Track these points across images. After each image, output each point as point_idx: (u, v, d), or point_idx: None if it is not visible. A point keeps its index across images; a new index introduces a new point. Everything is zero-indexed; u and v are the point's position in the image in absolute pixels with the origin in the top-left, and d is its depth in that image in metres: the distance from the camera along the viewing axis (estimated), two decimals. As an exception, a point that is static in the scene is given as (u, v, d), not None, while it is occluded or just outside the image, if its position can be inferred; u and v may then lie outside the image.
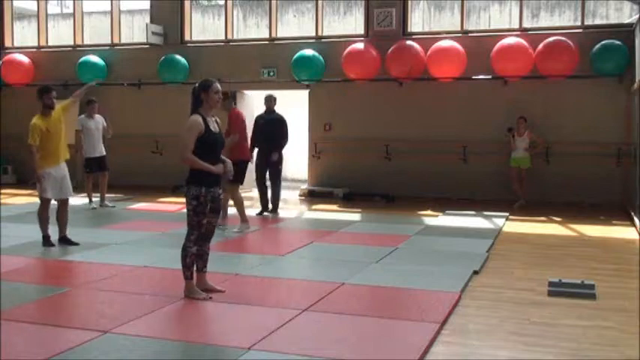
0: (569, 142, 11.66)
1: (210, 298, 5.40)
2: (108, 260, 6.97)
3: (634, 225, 9.35)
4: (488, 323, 4.92)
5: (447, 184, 12.40)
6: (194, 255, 5.45)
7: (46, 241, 7.65)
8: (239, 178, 8.47)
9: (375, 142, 12.76)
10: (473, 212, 10.66)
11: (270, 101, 10.54)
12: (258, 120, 10.48)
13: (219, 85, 5.41)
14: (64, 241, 7.76)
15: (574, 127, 11.69)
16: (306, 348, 4.33)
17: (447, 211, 10.73)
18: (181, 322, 4.86)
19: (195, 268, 5.52)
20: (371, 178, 12.74)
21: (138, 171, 14.17)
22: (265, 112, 10.53)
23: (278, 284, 6.01)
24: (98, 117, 10.94)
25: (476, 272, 6.43)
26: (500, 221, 9.75)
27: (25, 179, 15.06)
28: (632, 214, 9.90)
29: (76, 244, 7.71)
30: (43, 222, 7.69)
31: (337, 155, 13.08)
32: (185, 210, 5.44)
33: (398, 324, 4.83)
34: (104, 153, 10.96)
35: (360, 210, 11.09)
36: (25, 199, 12.26)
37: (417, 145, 12.53)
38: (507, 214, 10.41)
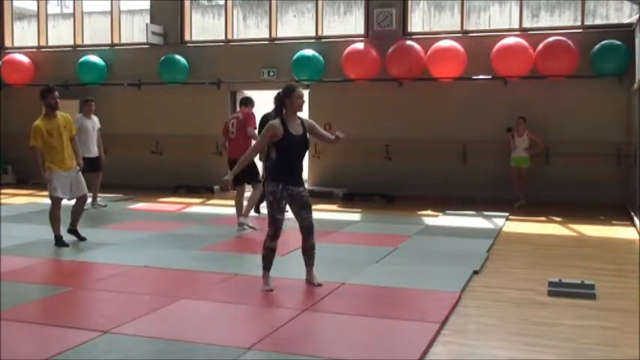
0: (569, 142, 11.65)
1: (271, 290, 5.60)
2: (108, 260, 6.97)
3: (634, 225, 9.35)
4: (488, 323, 4.92)
5: (447, 184, 12.40)
6: (269, 249, 5.65)
7: (59, 241, 7.63)
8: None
9: (375, 142, 12.77)
10: (473, 212, 10.65)
11: None
12: (270, 119, 10.39)
13: (302, 90, 5.73)
14: (73, 232, 7.83)
15: (574, 127, 11.69)
16: (307, 348, 4.33)
17: (447, 211, 10.73)
18: (181, 322, 4.86)
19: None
20: (371, 178, 12.74)
21: (138, 171, 14.17)
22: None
23: (278, 284, 6.01)
24: (95, 117, 10.88)
25: (476, 272, 6.43)
26: (500, 221, 9.75)
27: (25, 179, 15.09)
28: (632, 214, 9.90)
29: (84, 239, 7.79)
30: (55, 222, 7.67)
31: (337, 155, 13.08)
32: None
33: (398, 324, 4.83)
34: (97, 154, 10.82)
35: (360, 210, 11.09)
36: (25, 199, 12.28)
37: (417, 145, 12.53)
38: (507, 214, 10.40)
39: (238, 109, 9.40)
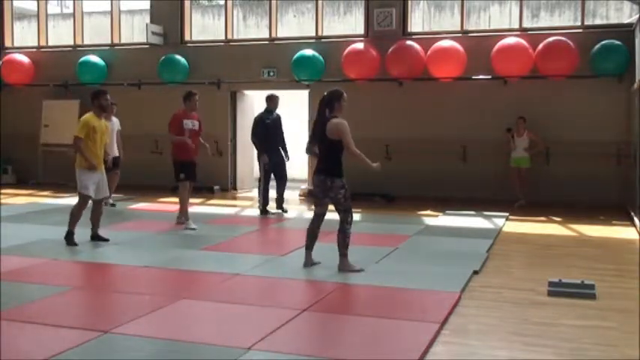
0: (569, 142, 11.65)
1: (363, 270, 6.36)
2: (108, 260, 6.98)
3: (634, 225, 9.35)
4: (489, 323, 4.93)
5: (447, 184, 12.39)
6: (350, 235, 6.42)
7: (69, 236, 7.67)
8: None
9: (375, 142, 12.73)
10: (473, 212, 10.66)
11: (276, 101, 10.60)
12: (264, 120, 10.44)
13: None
14: (97, 238, 7.89)
15: (574, 127, 11.68)
16: (306, 348, 4.34)
17: (447, 211, 10.73)
18: (181, 322, 4.86)
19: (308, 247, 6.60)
20: (371, 178, 12.67)
21: (138, 171, 14.16)
22: (268, 111, 10.51)
23: (278, 284, 6.02)
24: (115, 119, 11.05)
25: (476, 272, 6.43)
26: (500, 221, 9.75)
27: (25, 179, 15.09)
28: (632, 214, 9.90)
29: (107, 239, 7.86)
30: (74, 219, 7.72)
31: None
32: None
33: (398, 324, 4.83)
34: (117, 154, 11.01)
35: (360, 210, 11.07)
36: (25, 199, 12.28)
37: (417, 145, 12.53)
38: (507, 214, 10.40)
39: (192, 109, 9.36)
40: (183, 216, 9.19)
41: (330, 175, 6.33)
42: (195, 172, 9.27)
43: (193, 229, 8.87)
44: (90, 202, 7.83)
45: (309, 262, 6.56)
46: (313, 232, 6.62)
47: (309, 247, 6.62)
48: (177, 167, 9.10)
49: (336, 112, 6.32)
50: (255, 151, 10.75)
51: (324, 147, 6.35)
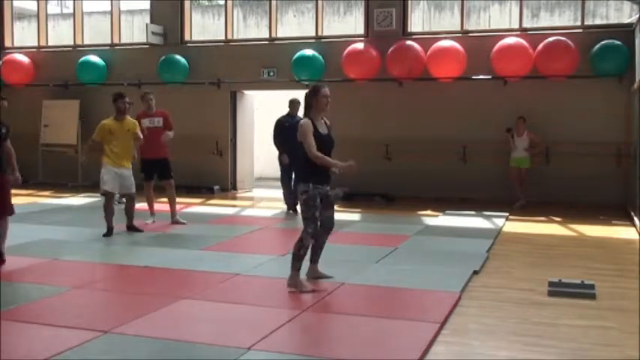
0: (569, 142, 11.65)
1: (314, 290, 5.61)
2: (108, 260, 6.98)
3: (634, 225, 9.35)
4: (488, 323, 4.92)
5: (447, 184, 12.39)
6: (305, 248, 5.66)
7: (109, 231, 8.20)
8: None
9: (375, 142, 12.76)
10: (473, 212, 10.66)
11: (297, 106, 10.61)
12: (284, 123, 10.45)
13: (327, 91, 5.79)
14: (131, 229, 8.54)
15: (574, 127, 11.69)
16: (306, 348, 4.34)
17: (447, 211, 10.73)
18: (181, 322, 4.86)
19: (310, 259, 5.89)
20: (371, 178, 12.72)
21: (138, 171, 14.13)
22: (289, 115, 10.53)
23: (278, 284, 6.01)
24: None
25: (476, 272, 6.43)
26: (500, 221, 9.75)
27: (25, 179, 15.05)
28: (632, 214, 9.90)
29: (141, 231, 8.56)
30: (108, 214, 8.27)
31: (337, 155, 12.98)
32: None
33: (398, 324, 4.83)
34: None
35: (360, 210, 11.09)
36: (25, 199, 12.26)
37: (417, 145, 12.53)
38: (507, 214, 10.41)
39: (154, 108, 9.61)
40: (152, 214, 9.61)
41: (297, 179, 5.88)
42: (161, 168, 9.47)
43: (146, 223, 9.27)
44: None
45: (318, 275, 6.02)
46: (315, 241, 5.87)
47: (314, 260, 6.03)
48: (140, 166, 9.50)
49: (316, 110, 5.75)
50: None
51: (300, 151, 5.81)
